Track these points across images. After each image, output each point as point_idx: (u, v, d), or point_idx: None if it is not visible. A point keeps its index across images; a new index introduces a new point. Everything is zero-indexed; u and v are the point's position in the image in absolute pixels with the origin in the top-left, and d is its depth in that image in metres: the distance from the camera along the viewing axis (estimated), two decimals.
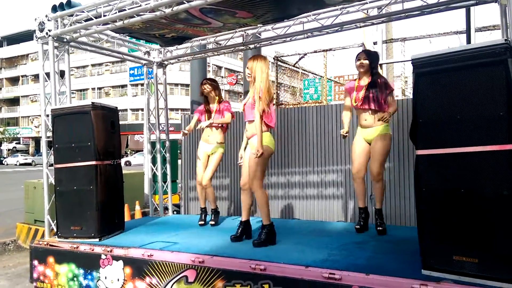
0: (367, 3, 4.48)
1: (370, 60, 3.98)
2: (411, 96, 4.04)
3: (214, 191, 4.96)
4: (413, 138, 2.86)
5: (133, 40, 5.73)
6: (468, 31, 6.34)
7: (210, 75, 36.32)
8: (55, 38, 4.64)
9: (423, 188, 2.74)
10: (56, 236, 4.34)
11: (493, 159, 2.47)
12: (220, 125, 4.78)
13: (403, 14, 4.45)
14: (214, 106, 4.83)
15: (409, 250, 3.24)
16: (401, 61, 9.99)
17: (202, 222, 4.88)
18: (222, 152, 4.85)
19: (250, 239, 4.00)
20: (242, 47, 5.60)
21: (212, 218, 4.89)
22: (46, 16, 4.58)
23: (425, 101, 2.75)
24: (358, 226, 4.15)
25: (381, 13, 4.59)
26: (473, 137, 2.54)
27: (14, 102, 52.17)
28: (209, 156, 4.83)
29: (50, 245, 4.25)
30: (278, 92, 10.48)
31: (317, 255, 3.30)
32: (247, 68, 3.86)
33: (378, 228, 4.03)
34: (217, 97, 4.85)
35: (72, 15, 4.47)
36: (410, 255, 3.09)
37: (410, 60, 2.88)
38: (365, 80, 4.00)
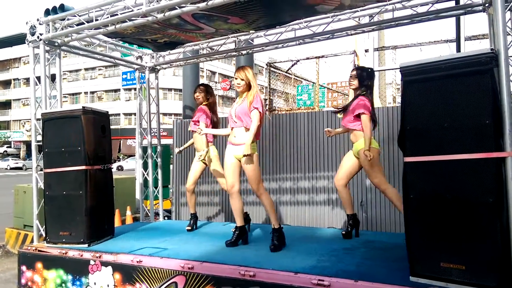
0: (358, 11, 4.53)
1: (359, 80, 4.00)
2: None
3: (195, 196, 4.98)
4: (401, 145, 2.89)
5: (126, 44, 5.72)
6: (458, 40, 6.42)
7: (203, 80, 36.36)
8: (47, 42, 4.62)
9: (411, 195, 2.77)
10: (45, 242, 4.30)
11: (479, 166, 2.50)
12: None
13: (394, 23, 4.50)
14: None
15: (398, 257, 3.27)
16: (392, 69, 10.08)
17: (189, 228, 4.90)
18: (215, 155, 4.85)
19: (246, 244, 4.04)
20: (234, 53, 5.62)
21: (190, 223, 4.93)
22: (38, 19, 4.56)
23: (413, 109, 2.79)
24: (344, 232, 4.16)
25: (371, 21, 4.64)
26: (460, 145, 2.57)
27: (5, 105, 51.75)
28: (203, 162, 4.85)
29: (39, 251, 4.21)
30: (272, 98, 10.51)
31: (306, 262, 3.31)
32: (239, 77, 3.87)
33: None
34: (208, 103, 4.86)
35: (63, 19, 4.46)
36: (399, 261, 3.12)
37: (399, 68, 2.92)
38: (356, 94, 4.05)
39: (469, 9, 4.11)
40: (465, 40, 6.46)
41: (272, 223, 3.87)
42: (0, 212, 10.31)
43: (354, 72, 4.06)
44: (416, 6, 4.26)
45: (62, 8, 4.48)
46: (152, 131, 6.26)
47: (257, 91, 3.86)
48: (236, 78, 3.92)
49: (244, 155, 3.66)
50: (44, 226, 4.37)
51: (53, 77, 4.81)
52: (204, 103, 4.83)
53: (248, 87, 3.90)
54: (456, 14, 4.48)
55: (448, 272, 2.59)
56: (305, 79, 14.12)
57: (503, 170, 2.47)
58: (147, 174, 6.23)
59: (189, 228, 4.90)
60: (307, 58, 10.48)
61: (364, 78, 4.00)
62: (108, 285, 3.74)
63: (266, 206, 3.88)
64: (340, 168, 4.10)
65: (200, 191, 6.26)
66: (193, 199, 4.93)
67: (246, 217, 4.64)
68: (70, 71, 44.17)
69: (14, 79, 50.29)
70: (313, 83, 12.63)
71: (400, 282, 2.71)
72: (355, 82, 4.01)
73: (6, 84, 51.57)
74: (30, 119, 4.77)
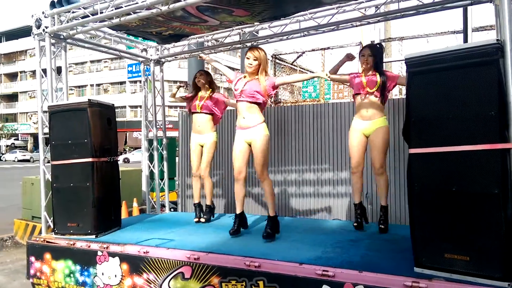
0: (363, 2, 4.48)
1: (374, 55, 4.01)
2: None
3: (212, 184, 4.95)
4: (406, 136, 2.89)
5: (131, 37, 5.73)
6: (465, 31, 6.35)
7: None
8: (52, 35, 4.64)
9: (416, 187, 2.77)
10: (53, 233, 4.36)
11: (484, 158, 2.50)
12: (209, 113, 4.87)
13: (399, 14, 4.45)
14: (205, 95, 4.90)
15: (402, 248, 3.28)
16: (399, 60, 10.00)
17: (197, 219, 4.90)
18: (215, 141, 4.89)
19: (246, 229, 4.13)
20: (239, 45, 5.61)
21: (203, 215, 4.89)
22: (43, 12, 4.58)
23: (418, 100, 2.78)
24: (356, 224, 4.16)
25: (377, 12, 4.60)
26: (464, 136, 2.57)
27: (12, 98, 52.06)
28: (202, 146, 4.88)
29: (47, 242, 4.26)
30: (277, 90, 10.48)
31: (311, 253, 3.33)
32: (252, 56, 3.81)
33: (380, 225, 4.02)
34: (210, 89, 4.93)
35: (68, 12, 4.47)
36: (403, 253, 3.13)
37: (404, 59, 2.91)
38: (371, 72, 4.03)
39: None
40: (472, 31, 6.39)
41: (269, 211, 3.89)
42: (8, 203, 10.45)
43: (367, 51, 4.03)
44: None
45: (67, 0, 4.49)
46: (157, 124, 6.29)
47: (269, 75, 3.88)
48: (248, 58, 3.83)
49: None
50: (52, 218, 4.43)
51: (59, 70, 4.84)
52: (212, 89, 4.91)
53: (258, 70, 3.84)
54: (462, 5, 4.40)
55: (453, 263, 2.60)
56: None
57: (508, 161, 2.46)
58: (153, 167, 6.27)
59: (197, 220, 4.91)
60: (313, 50, 10.43)
61: (378, 52, 4.05)
62: (115, 275, 3.79)
63: (266, 193, 3.89)
64: (354, 152, 4.07)
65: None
66: (198, 187, 4.95)
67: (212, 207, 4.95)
68: (76, 64, 44.26)
69: (20, 72, 50.51)
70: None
71: (404, 273, 2.72)
72: (371, 58, 4.00)
73: (13, 76, 51.82)
74: (37, 112, 4.81)
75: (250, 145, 3.87)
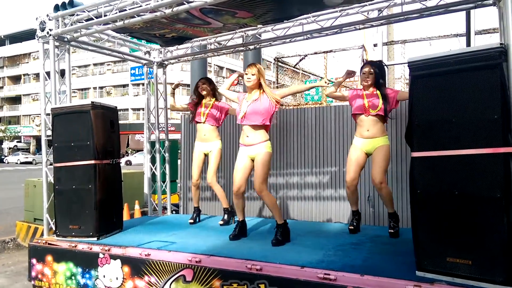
0: (366, 5, 4.49)
1: (375, 72, 3.97)
2: None
3: (222, 189, 4.94)
4: (408, 140, 2.89)
5: (134, 40, 5.75)
6: (468, 34, 6.36)
7: (211, 75, 36.32)
8: (56, 38, 4.66)
9: (418, 190, 2.76)
10: (55, 235, 4.37)
11: (487, 161, 2.50)
12: (214, 123, 4.87)
13: (403, 17, 4.46)
14: (209, 103, 4.90)
15: (404, 252, 3.27)
16: (401, 63, 10.00)
17: (192, 221, 4.96)
18: (220, 148, 4.91)
19: (246, 237, 4.12)
20: (242, 48, 5.62)
21: (224, 217, 4.88)
22: (47, 15, 4.61)
23: (421, 104, 2.78)
24: (352, 227, 4.19)
25: (380, 15, 4.60)
26: (467, 140, 2.56)
27: (15, 100, 52.28)
28: (205, 154, 4.89)
29: (49, 244, 4.27)
30: None
31: (313, 256, 3.33)
32: (250, 72, 3.86)
33: (390, 230, 4.01)
34: (213, 97, 4.93)
35: (73, 15, 4.49)
36: (405, 256, 3.12)
37: (406, 63, 2.91)
38: (371, 90, 4.00)
39: (479, 2, 4.06)
40: (475, 34, 6.39)
41: (276, 220, 3.90)
42: (10, 206, 10.47)
43: (368, 69, 4.00)
44: (426, 0, 4.21)
45: (71, 3, 4.51)
46: (160, 126, 6.29)
47: (270, 89, 3.88)
48: (247, 73, 3.90)
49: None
50: (54, 220, 4.44)
51: (62, 73, 4.86)
52: (215, 100, 4.91)
53: (258, 84, 3.90)
54: (465, 8, 4.42)
55: (455, 267, 2.59)
56: (313, 74, 14.05)
57: (511, 165, 2.45)
58: (155, 169, 6.28)
59: (192, 221, 4.97)
60: (315, 53, 10.44)
61: (380, 70, 4.01)
62: (117, 278, 3.79)
63: (268, 205, 3.91)
64: (350, 168, 4.05)
65: (206, 186, 6.28)
66: (197, 193, 5.03)
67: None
68: (79, 67, 44.45)
69: (24, 74, 50.73)
70: (321, 78, 12.57)
71: (406, 276, 2.72)
72: (372, 76, 3.97)
73: (16, 79, 52.05)
74: (39, 114, 4.83)
75: (252, 161, 3.90)
